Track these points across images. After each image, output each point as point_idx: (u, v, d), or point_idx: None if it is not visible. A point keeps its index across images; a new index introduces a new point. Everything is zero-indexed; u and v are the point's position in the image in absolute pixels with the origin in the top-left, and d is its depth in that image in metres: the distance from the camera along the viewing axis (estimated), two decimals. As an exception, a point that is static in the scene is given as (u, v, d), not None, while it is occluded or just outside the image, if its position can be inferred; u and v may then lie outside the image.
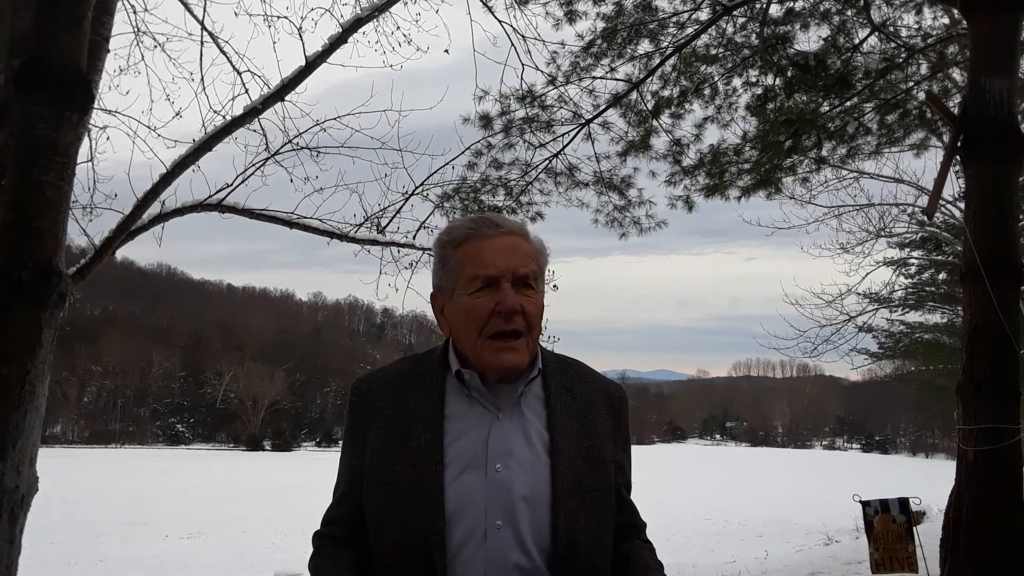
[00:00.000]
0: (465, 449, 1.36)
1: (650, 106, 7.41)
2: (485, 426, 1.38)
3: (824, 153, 8.07)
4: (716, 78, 7.37)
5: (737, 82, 7.42)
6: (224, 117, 5.15)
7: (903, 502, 5.30)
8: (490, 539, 1.31)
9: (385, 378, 1.48)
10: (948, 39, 7.23)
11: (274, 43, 5.58)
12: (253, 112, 4.80)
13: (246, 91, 5.57)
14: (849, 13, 6.92)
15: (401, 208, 6.17)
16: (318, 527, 1.50)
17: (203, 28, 5.67)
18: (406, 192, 6.21)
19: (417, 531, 1.31)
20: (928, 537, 5.36)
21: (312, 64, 4.76)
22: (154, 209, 4.78)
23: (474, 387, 1.40)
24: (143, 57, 5.81)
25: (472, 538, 1.31)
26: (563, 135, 7.48)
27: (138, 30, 5.75)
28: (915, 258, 15.58)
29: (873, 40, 7.03)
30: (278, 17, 5.63)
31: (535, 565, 1.31)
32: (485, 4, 6.17)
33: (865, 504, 5.39)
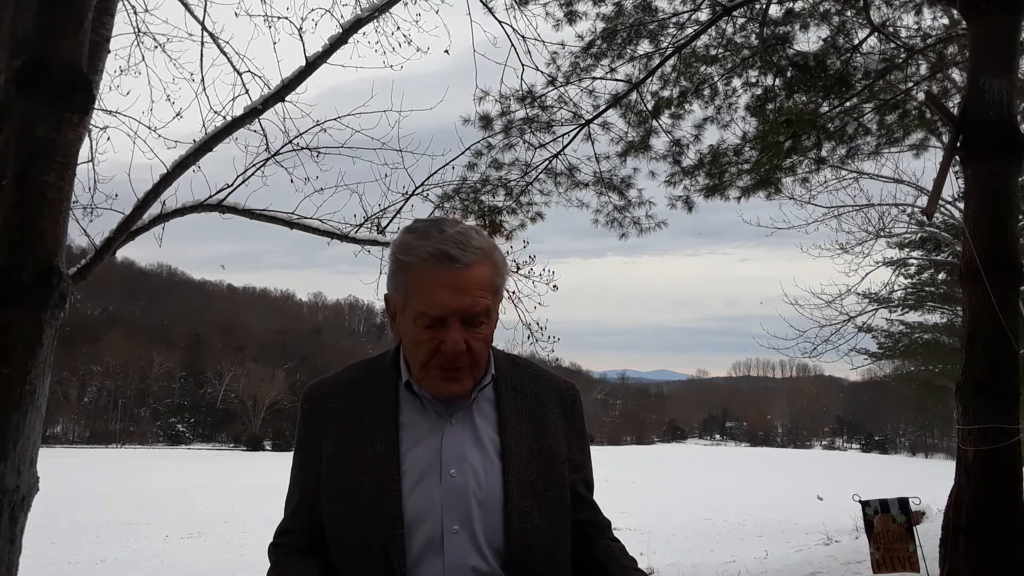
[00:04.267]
0: (420, 457, 1.36)
1: (650, 106, 7.41)
2: (438, 432, 1.38)
3: (824, 153, 8.07)
4: (716, 78, 7.37)
5: (737, 82, 7.43)
6: (224, 117, 5.16)
7: (903, 502, 5.30)
8: (447, 544, 1.31)
9: (337, 385, 1.46)
10: (947, 39, 7.24)
11: (274, 44, 5.60)
12: (253, 112, 4.81)
13: (246, 91, 5.58)
14: (849, 14, 6.92)
15: (401, 208, 6.18)
16: (272, 540, 1.48)
17: (203, 29, 5.68)
18: (406, 192, 6.21)
19: (377, 541, 1.31)
20: (928, 537, 5.36)
21: (312, 64, 4.77)
22: (154, 209, 4.79)
23: (424, 397, 1.40)
24: (143, 57, 5.83)
25: (431, 544, 1.31)
26: (563, 135, 7.49)
27: (138, 30, 5.76)
28: (915, 258, 15.60)
29: (873, 40, 7.03)
30: (278, 18, 5.64)
31: (492, 568, 1.32)
32: (485, 5, 6.18)
33: (865, 504, 5.40)
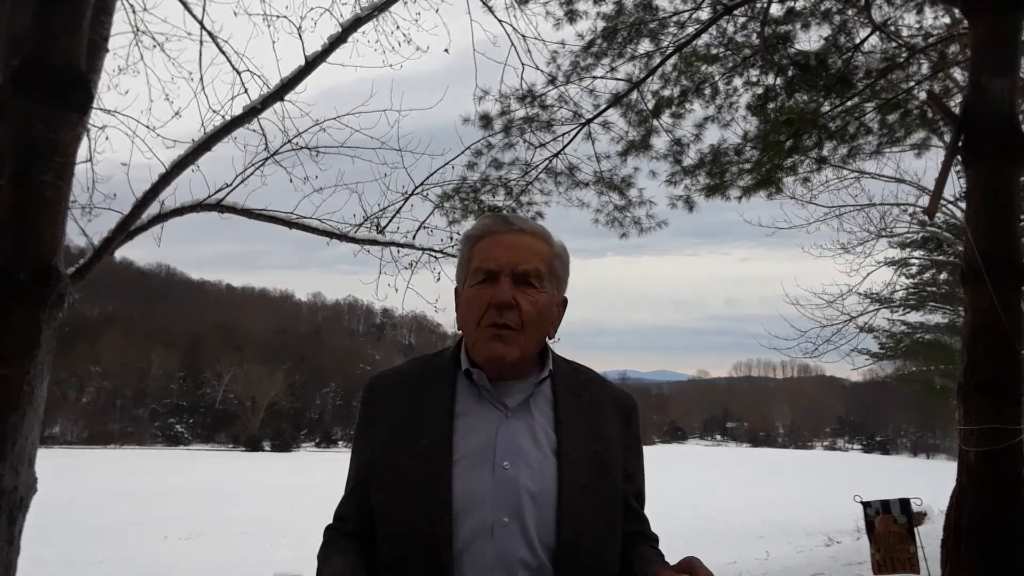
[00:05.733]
0: (473, 445, 1.37)
1: (650, 106, 7.40)
2: (493, 424, 1.40)
3: (825, 153, 8.06)
4: (717, 78, 7.36)
5: (738, 82, 7.41)
6: (223, 117, 5.14)
7: (904, 503, 5.29)
8: (497, 535, 1.32)
9: (397, 377, 1.51)
10: (949, 39, 7.22)
11: (273, 43, 5.58)
12: (252, 112, 4.79)
13: (245, 91, 5.57)
14: (850, 12, 6.91)
15: (401, 208, 6.16)
16: (329, 521, 1.52)
17: (202, 28, 5.66)
18: (406, 192, 6.20)
19: (425, 525, 1.32)
20: (929, 538, 5.35)
21: (312, 64, 4.76)
22: (153, 209, 4.78)
23: (483, 386, 1.42)
24: (142, 57, 5.81)
25: (479, 533, 1.32)
26: (563, 135, 7.48)
27: (137, 30, 5.74)
28: (916, 258, 15.61)
29: (874, 40, 7.02)
30: (277, 16, 5.63)
31: (540, 562, 1.32)
32: (485, 4, 6.16)
33: (866, 505, 5.39)
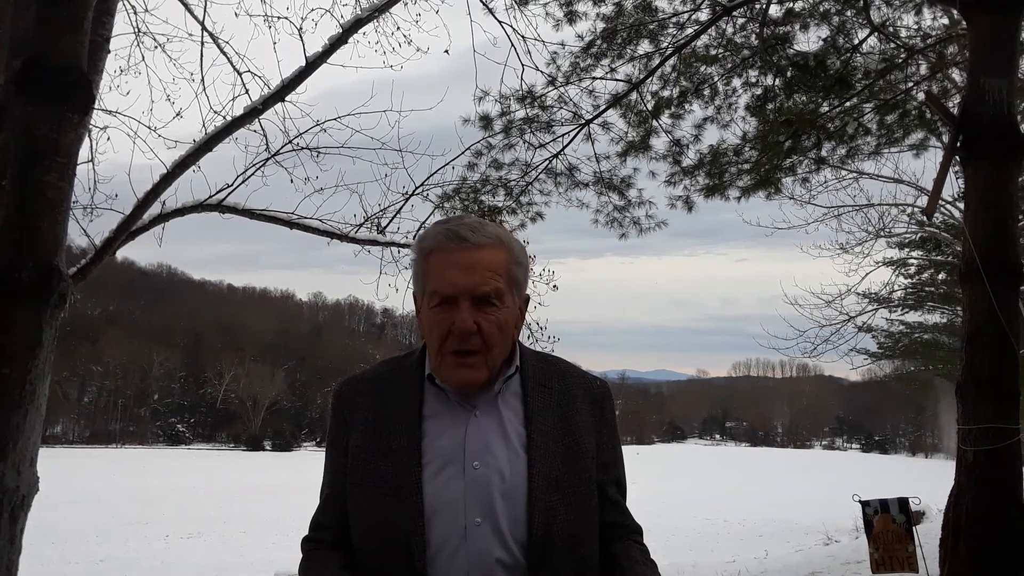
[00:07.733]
0: (443, 448, 1.36)
1: (650, 106, 7.41)
2: (462, 424, 1.38)
3: (824, 153, 8.08)
4: (716, 78, 7.38)
5: (737, 82, 7.43)
6: (224, 117, 5.15)
7: (902, 502, 5.30)
8: (470, 536, 1.31)
9: (366, 381, 1.49)
10: (947, 39, 7.24)
11: (274, 44, 5.59)
12: (253, 112, 4.80)
13: (246, 91, 5.58)
14: (849, 13, 6.92)
15: (401, 208, 6.17)
16: (307, 533, 1.50)
17: (203, 29, 5.68)
18: (406, 192, 6.20)
19: (398, 531, 1.32)
20: (928, 537, 5.37)
21: (312, 64, 4.76)
22: (154, 209, 4.78)
23: (448, 389, 1.41)
24: (143, 57, 5.84)
25: (452, 536, 1.31)
26: (563, 135, 7.49)
27: (138, 30, 5.76)
28: (914, 258, 15.62)
29: (873, 40, 7.04)
30: (278, 18, 5.64)
31: (516, 560, 1.32)
32: (485, 5, 6.17)
33: (865, 504, 5.40)
